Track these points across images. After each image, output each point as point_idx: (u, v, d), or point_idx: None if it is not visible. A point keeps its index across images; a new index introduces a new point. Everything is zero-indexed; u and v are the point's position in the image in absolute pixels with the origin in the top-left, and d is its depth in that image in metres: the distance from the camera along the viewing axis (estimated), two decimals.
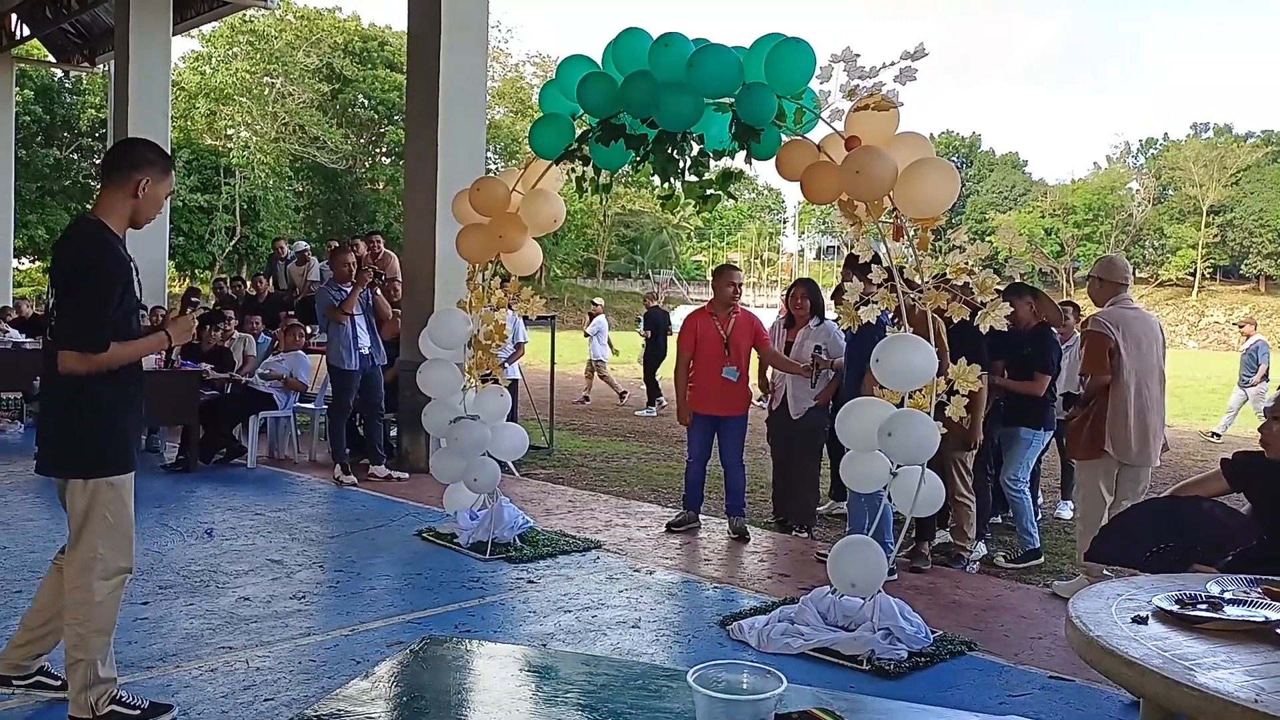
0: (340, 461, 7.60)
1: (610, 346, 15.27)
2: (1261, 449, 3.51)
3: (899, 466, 4.02)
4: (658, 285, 56.78)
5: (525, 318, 8.15)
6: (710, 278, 6.65)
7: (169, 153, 3.32)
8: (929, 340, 3.99)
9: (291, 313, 10.17)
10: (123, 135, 12.33)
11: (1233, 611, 2.21)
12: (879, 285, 4.16)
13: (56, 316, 3.03)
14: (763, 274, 64.90)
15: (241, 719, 3.26)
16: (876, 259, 4.28)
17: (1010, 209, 64.25)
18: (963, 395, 4.05)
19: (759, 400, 7.21)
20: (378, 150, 47.34)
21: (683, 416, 6.27)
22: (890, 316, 4.33)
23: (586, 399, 14.65)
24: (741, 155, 4.55)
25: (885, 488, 4.14)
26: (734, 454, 6.16)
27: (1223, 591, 2.36)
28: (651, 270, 59.10)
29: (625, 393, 14.93)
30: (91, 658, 3.06)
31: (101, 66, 18.15)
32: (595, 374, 14.90)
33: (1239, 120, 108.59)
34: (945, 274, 4.11)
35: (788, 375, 6.17)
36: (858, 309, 4.28)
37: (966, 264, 4.04)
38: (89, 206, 3.24)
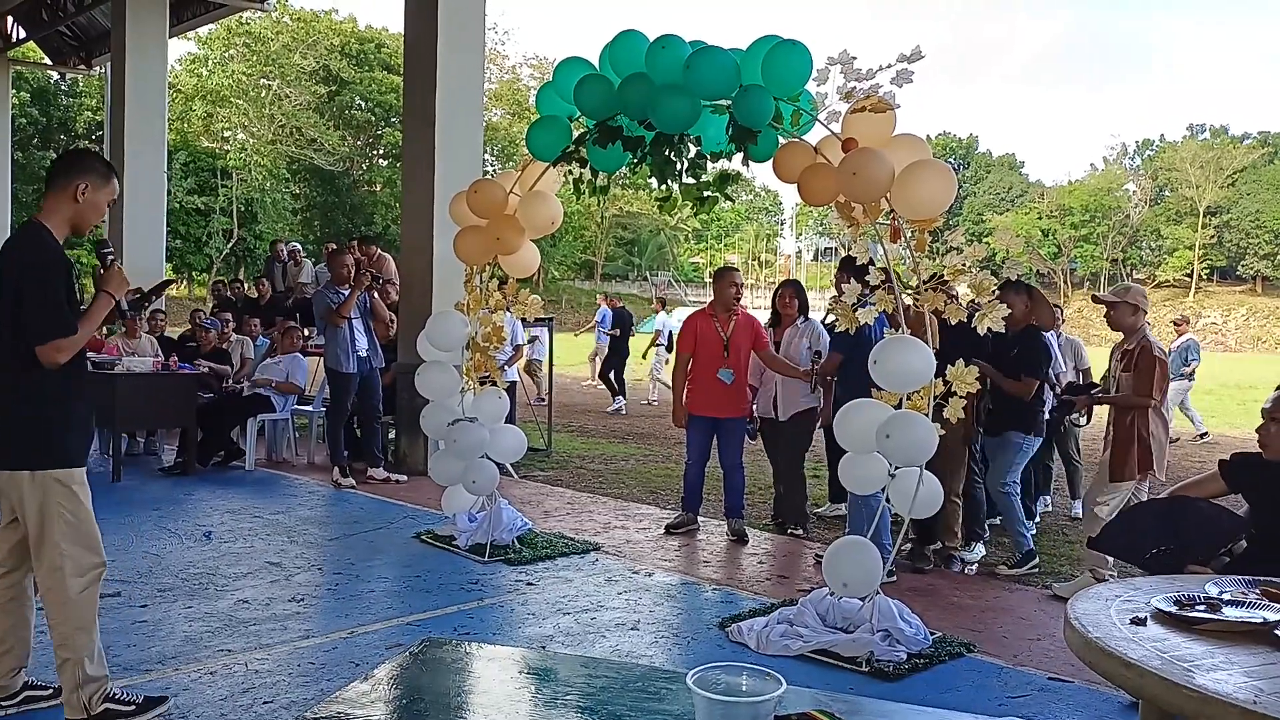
0: (338, 464, 7.60)
1: (670, 343, 15.50)
2: (1260, 450, 3.52)
3: (897, 468, 4.02)
4: (656, 287, 56.83)
5: (523, 319, 8.16)
6: (710, 279, 6.68)
7: (112, 165, 3.40)
8: (926, 342, 4.00)
9: (284, 317, 10.14)
10: (120, 138, 12.33)
11: (1231, 613, 2.22)
12: (874, 288, 4.17)
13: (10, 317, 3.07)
14: (760, 275, 64.93)
15: None
16: (873, 261, 4.28)
17: (1007, 210, 64.31)
18: (960, 397, 4.05)
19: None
20: (375, 152, 47.33)
21: (678, 418, 6.28)
22: (885, 320, 4.34)
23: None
24: (739, 157, 4.55)
25: (884, 489, 4.14)
26: (733, 456, 6.17)
27: (1221, 593, 2.37)
28: (649, 272, 59.13)
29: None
30: (78, 656, 3.06)
31: (98, 69, 18.11)
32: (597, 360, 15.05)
33: (1235, 121, 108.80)
34: (943, 275, 4.11)
35: (778, 377, 6.19)
36: (854, 310, 4.29)
37: (964, 265, 4.04)
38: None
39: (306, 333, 9.63)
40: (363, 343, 7.58)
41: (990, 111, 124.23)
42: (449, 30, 7.99)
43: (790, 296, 6.42)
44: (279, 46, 40.58)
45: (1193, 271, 58.98)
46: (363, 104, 44.74)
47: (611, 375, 14.44)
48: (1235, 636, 2.11)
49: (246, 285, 13.31)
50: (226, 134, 41.05)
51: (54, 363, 3.04)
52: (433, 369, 5.66)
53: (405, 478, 7.74)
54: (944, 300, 4.04)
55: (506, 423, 5.90)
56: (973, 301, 4.13)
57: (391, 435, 8.46)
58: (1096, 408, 6.20)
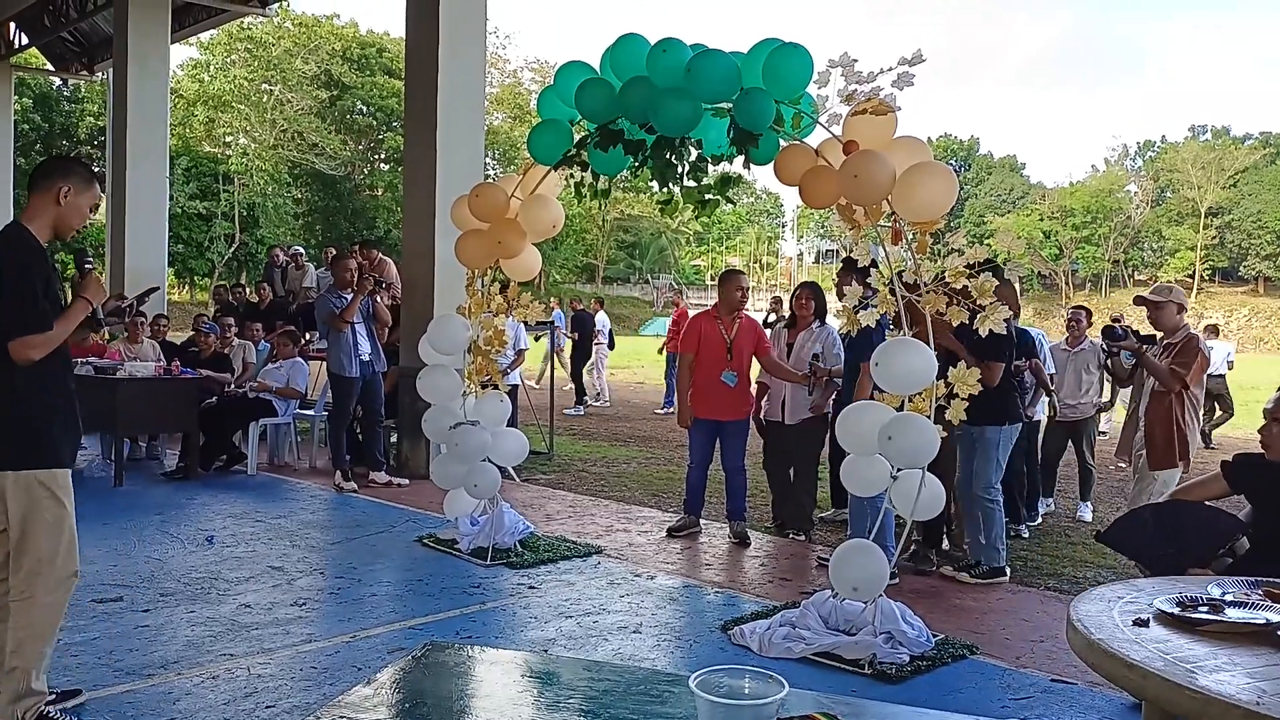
0: (340, 468, 7.60)
1: (611, 341, 15.98)
2: (1262, 450, 3.52)
3: (899, 470, 4.02)
4: (658, 290, 56.84)
5: (525, 322, 8.17)
6: (715, 282, 6.66)
7: (95, 171, 3.44)
8: (929, 344, 4.00)
9: (284, 322, 10.14)
10: (122, 143, 12.36)
11: (1234, 614, 2.21)
12: (876, 290, 4.17)
13: None
14: (761, 278, 64.94)
15: None
16: (874, 263, 4.28)
17: (1009, 212, 64.29)
18: (963, 399, 4.05)
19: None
20: (376, 156, 47.40)
21: (683, 419, 6.27)
22: (889, 321, 4.33)
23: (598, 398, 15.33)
24: (740, 160, 4.55)
25: (886, 491, 4.14)
26: (735, 459, 6.16)
27: (1224, 594, 2.37)
28: (650, 275, 59.14)
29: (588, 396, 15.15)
30: (27, 666, 3.02)
31: (100, 74, 18.17)
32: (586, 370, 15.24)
33: (1236, 122, 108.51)
34: (944, 276, 4.11)
35: (787, 382, 6.17)
36: (856, 313, 4.29)
37: (964, 268, 4.04)
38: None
39: (308, 337, 9.64)
40: (365, 347, 7.59)
41: (991, 114, 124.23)
42: (450, 35, 8.00)
43: (806, 298, 6.32)
44: (281, 51, 40.69)
45: (1194, 273, 58.93)
46: (364, 108, 44.83)
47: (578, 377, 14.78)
48: (1238, 638, 2.10)
49: (248, 290, 13.32)
50: (228, 139, 41.15)
51: (26, 359, 3.03)
52: (434, 372, 5.67)
53: (407, 481, 7.74)
54: (945, 302, 4.04)
55: (508, 426, 5.90)
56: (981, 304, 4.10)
57: (393, 439, 8.47)
58: (1110, 415, 6.14)
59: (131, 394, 7.51)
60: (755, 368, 6.51)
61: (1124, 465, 5.78)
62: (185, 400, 7.85)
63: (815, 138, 4.36)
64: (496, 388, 5.74)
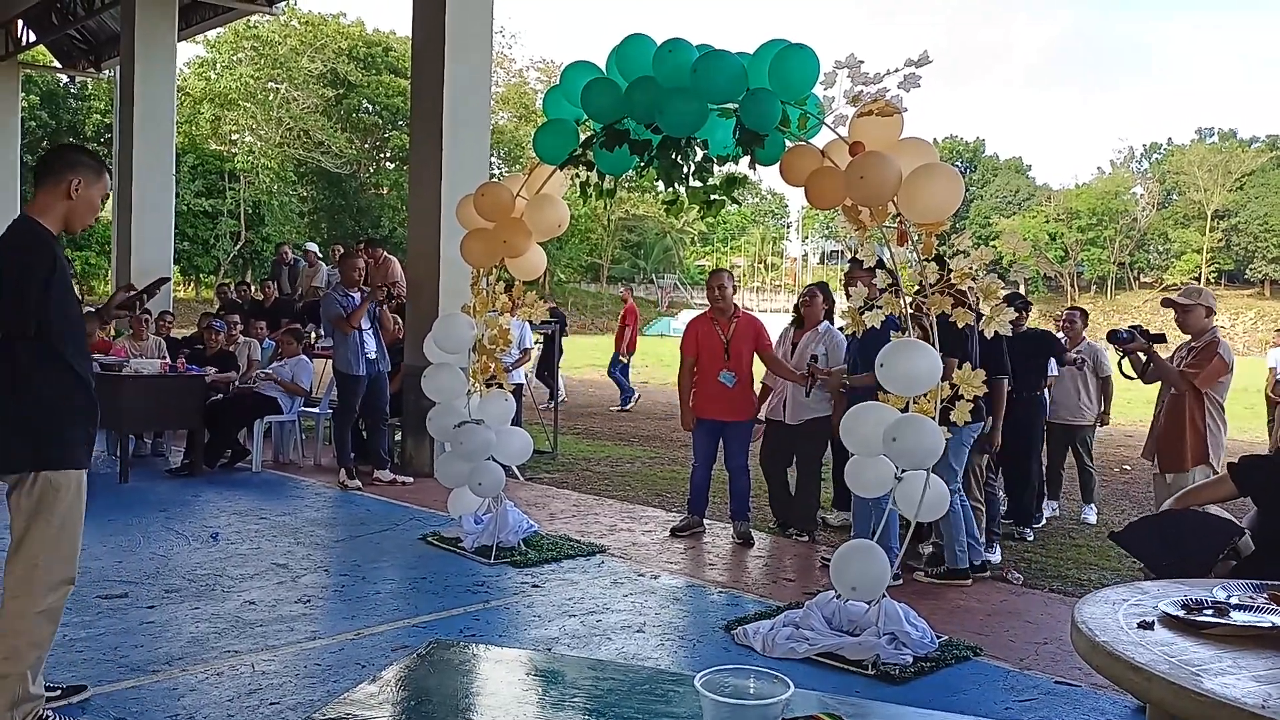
0: (345, 466, 7.61)
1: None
2: (1268, 452, 3.51)
3: (903, 471, 4.02)
4: (661, 290, 56.83)
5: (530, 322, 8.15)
6: None
7: (101, 159, 3.29)
8: (934, 345, 3.99)
9: (289, 320, 10.15)
10: (128, 140, 12.40)
11: (1239, 617, 2.21)
12: (882, 290, 4.16)
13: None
14: (766, 278, 64.89)
15: None
16: (882, 263, 4.28)
17: (1014, 214, 64.14)
18: (968, 400, 4.05)
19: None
20: (382, 155, 47.43)
21: (685, 421, 6.27)
22: (898, 321, 4.32)
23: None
24: (745, 160, 4.56)
25: (890, 492, 4.14)
26: (739, 459, 6.16)
27: (1229, 597, 2.36)
28: (655, 275, 59.12)
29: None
30: (22, 671, 2.95)
31: (107, 72, 18.22)
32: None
33: (1243, 125, 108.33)
34: (949, 278, 4.10)
35: (789, 382, 6.17)
36: (862, 314, 4.29)
37: (970, 269, 4.04)
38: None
39: (313, 336, 9.65)
40: (372, 346, 7.61)
41: (997, 116, 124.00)
42: (456, 34, 8.00)
43: (814, 299, 6.35)
44: (287, 50, 40.70)
45: (1200, 275, 58.76)
46: (370, 107, 44.83)
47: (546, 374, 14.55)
48: (1243, 641, 2.10)
49: (253, 288, 13.33)
50: (234, 137, 41.17)
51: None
52: (439, 371, 5.67)
53: (411, 480, 7.75)
54: (950, 304, 4.04)
55: (513, 425, 5.91)
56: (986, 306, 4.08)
57: (398, 437, 8.48)
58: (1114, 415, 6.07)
59: (137, 391, 7.53)
60: (761, 368, 6.51)
61: (1145, 465, 5.73)
62: (190, 397, 7.86)
63: (821, 139, 4.36)
64: (501, 386, 5.75)
